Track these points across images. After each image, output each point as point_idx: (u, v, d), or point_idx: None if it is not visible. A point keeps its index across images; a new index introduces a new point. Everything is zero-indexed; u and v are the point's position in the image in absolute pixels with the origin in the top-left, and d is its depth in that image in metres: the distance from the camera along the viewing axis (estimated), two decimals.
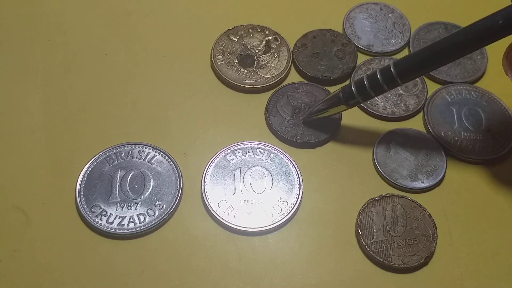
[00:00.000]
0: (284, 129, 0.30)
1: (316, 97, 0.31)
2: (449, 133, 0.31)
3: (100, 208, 0.27)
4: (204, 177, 0.28)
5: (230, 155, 0.29)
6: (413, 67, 0.26)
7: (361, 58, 0.34)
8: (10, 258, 0.26)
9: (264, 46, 0.34)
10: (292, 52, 0.34)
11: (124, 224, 0.27)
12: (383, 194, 0.28)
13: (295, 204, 0.28)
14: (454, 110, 0.32)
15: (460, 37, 0.25)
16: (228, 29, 0.34)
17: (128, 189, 0.28)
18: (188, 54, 0.34)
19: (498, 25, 0.23)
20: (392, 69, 0.26)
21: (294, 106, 0.31)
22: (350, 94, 0.28)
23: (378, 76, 0.27)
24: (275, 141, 0.30)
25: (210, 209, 0.27)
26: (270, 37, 0.34)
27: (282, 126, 0.30)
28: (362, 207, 0.28)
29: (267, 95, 0.32)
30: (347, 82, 0.33)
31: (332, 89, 0.32)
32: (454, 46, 0.25)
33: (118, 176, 0.28)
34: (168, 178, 0.28)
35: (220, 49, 0.33)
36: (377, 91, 0.27)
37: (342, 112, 0.31)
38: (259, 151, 0.29)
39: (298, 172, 0.29)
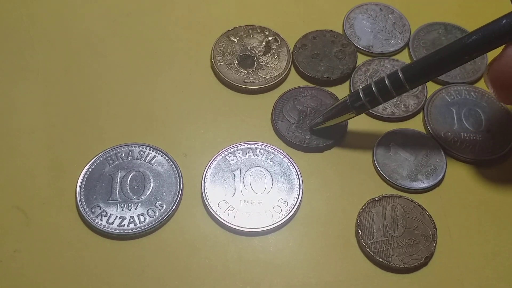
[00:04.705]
0: (291, 134, 0.30)
1: (321, 101, 0.31)
2: (449, 133, 0.31)
3: (100, 209, 0.27)
4: (204, 178, 0.28)
5: (230, 156, 0.29)
6: (421, 71, 0.26)
7: (361, 58, 0.34)
8: (10, 258, 0.26)
9: (264, 46, 0.34)
10: (292, 53, 0.34)
11: (124, 225, 0.27)
12: (383, 195, 0.28)
13: (295, 204, 0.28)
14: (453, 110, 0.32)
15: (468, 40, 0.24)
16: (228, 30, 0.34)
17: (128, 189, 0.28)
18: (188, 54, 0.34)
19: (501, 26, 0.24)
20: (400, 74, 0.26)
21: (300, 111, 0.31)
22: (357, 99, 0.27)
23: (386, 81, 0.27)
24: (279, 143, 0.30)
25: (210, 210, 0.27)
26: (270, 38, 0.34)
27: (289, 131, 0.30)
28: (362, 207, 0.28)
29: (267, 95, 0.32)
30: (347, 82, 0.33)
31: (332, 90, 0.32)
32: (462, 50, 0.25)
33: (118, 176, 0.28)
34: (168, 179, 0.28)
35: (220, 49, 0.33)
36: (385, 96, 0.27)
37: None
38: (259, 152, 0.29)
39: (298, 172, 0.29)
